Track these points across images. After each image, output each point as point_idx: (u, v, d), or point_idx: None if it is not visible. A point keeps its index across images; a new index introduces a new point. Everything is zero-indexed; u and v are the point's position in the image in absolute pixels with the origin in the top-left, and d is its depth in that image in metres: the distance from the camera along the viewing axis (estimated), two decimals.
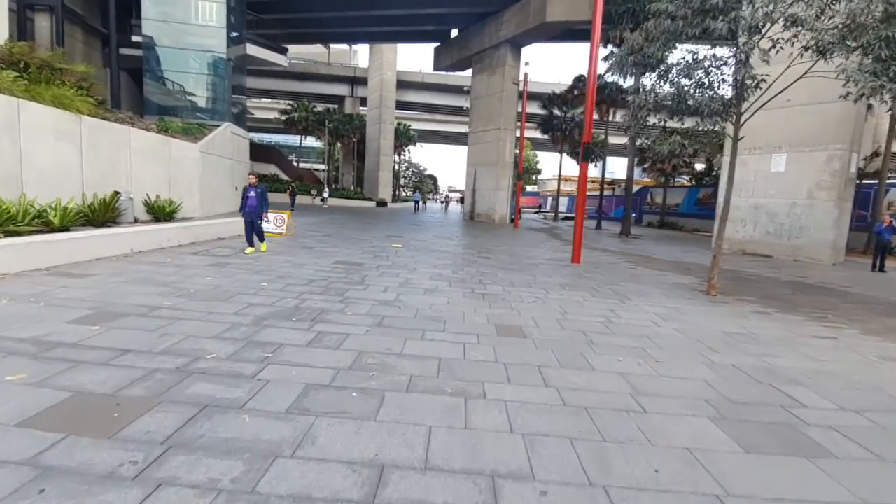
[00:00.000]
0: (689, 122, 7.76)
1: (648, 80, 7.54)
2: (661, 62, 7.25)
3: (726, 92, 7.11)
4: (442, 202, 54.15)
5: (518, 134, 26.61)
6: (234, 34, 19.27)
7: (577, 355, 3.99)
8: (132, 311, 4.35)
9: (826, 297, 7.87)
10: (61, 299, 4.65)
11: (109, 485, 1.93)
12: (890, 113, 16.47)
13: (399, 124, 46.58)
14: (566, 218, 35.73)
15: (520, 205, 25.27)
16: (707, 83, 6.95)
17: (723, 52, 7.00)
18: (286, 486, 1.98)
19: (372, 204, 39.32)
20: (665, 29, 6.84)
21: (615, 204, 39.89)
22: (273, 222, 12.03)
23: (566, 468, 2.26)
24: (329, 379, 3.12)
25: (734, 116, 7.10)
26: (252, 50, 22.57)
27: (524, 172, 31.76)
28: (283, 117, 42.10)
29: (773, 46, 6.09)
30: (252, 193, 8.37)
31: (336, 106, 47.36)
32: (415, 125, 53.21)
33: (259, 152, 37.81)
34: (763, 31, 6.28)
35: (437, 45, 32.12)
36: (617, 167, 60.45)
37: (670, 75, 7.12)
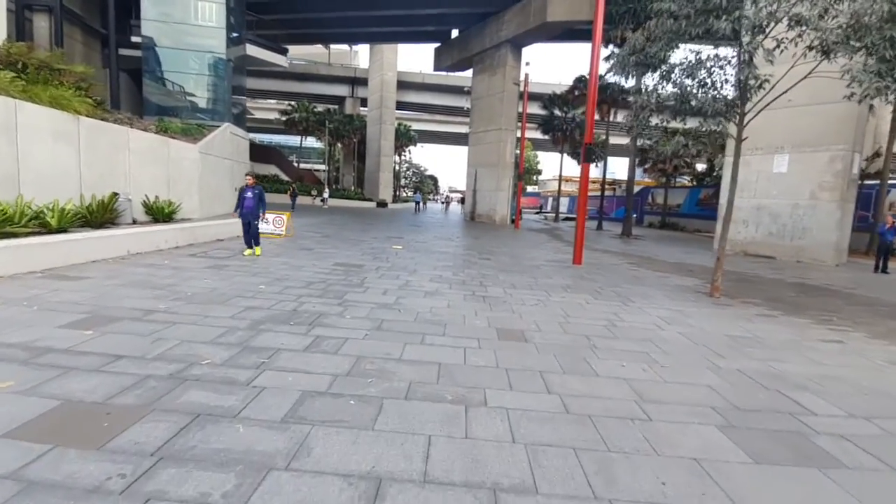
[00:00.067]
0: (691, 123, 7.69)
1: (651, 81, 7.46)
2: (663, 62, 7.18)
3: (729, 92, 7.04)
4: (442, 203, 54.08)
5: (519, 134, 26.56)
6: (234, 34, 19.22)
7: (580, 360, 3.91)
8: (126, 315, 4.28)
9: (830, 300, 7.78)
10: (54, 303, 4.58)
11: (95, 499, 1.85)
12: (892, 114, 16.41)
13: (399, 125, 46.55)
14: (567, 218, 35.68)
15: (520, 205, 25.20)
16: (710, 83, 6.88)
17: (725, 52, 6.93)
18: (279, 502, 1.90)
19: (372, 204, 39.26)
20: (668, 29, 6.77)
21: (616, 204, 39.80)
22: (272, 223, 11.96)
23: (570, 481, 2.18)
24: (326, 386, 3.05)
25: (737, 117, 7.02)
26: (252, 50, 22.53)
27: (525, 173, 31.68)
28: (284, 118, 42.07)
29: (778, 46, 6.02)
30: (249, 194, 8.26)
31: (336, 106, 47.32)
32: (415, 126, 53.18)
33: (259, 153, 37.79)
34: (767, 30, 6.21)
35: (437, 45, 32.06)
36: (618, 167, 60.41)
37: (673, 75, 7.05)
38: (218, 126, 16.35)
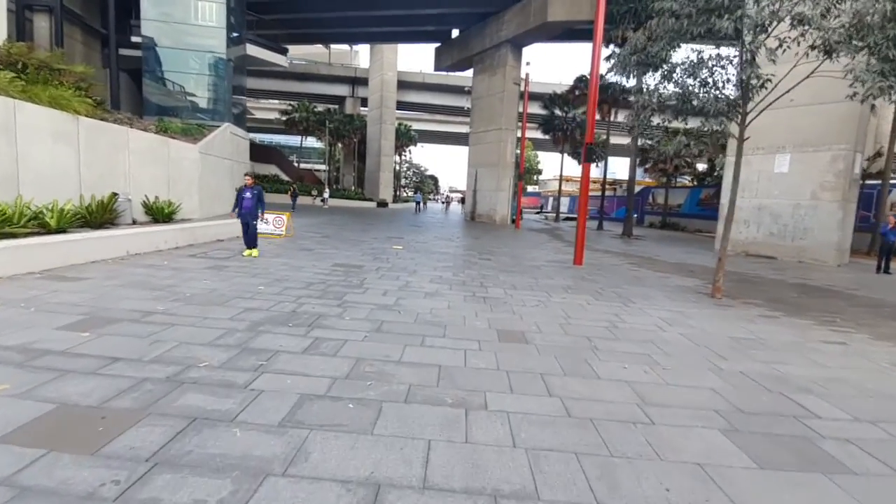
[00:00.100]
0: (692, 123, 7.65)
1: (652, 80, 7.42)
2: (664, 61, 7.14)
3: (731, 92, 7.00)
4: (443, 203, 54.05)
5: (519, 134, 26.52)
6: (234, 34, 19.20)
7: (582, 362, 3.88)
8: (125, 317, 4.25)
9: (833, 300, 7.74)
10: (53, 304, 4.55)
11: None
12: (894, 113, 16.36)
13: (400, 125, 46.51)
14: (567, 218, 35.64)
15: (521, 205, 25.16)
16: (712, 83, 6.85)
17: (727, 51, 6.89)
18: None
19: (372, 204, 39.23)
20: (669, 28, 6.73)
21: (616, 204, 39.75)
22: (272, 223, 11.93)
23: (572, 487, 2.14)
24: (325, 389, 3.01)
25: (739, 116, 6.98)
26: (252, 50, 22.50)
27: (525, 173, 31.63)
28: (284, 118, 42.05)
29: (780, 45, 5.98)
30: (248, 195, 8.17)
31: (337, 106, 47.30)
32: (415, 126, 53.14)
33: (260, 153, 37.77)
34: (769, 29, 6.17)
35: (437, 45, 32.03)
36: (618, 167, 60.36)
37: (674, 75, 7.01)
38: (218, 126, 16.34)
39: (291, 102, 42.82)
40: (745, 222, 14.79)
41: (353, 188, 45.16)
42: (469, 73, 29.98)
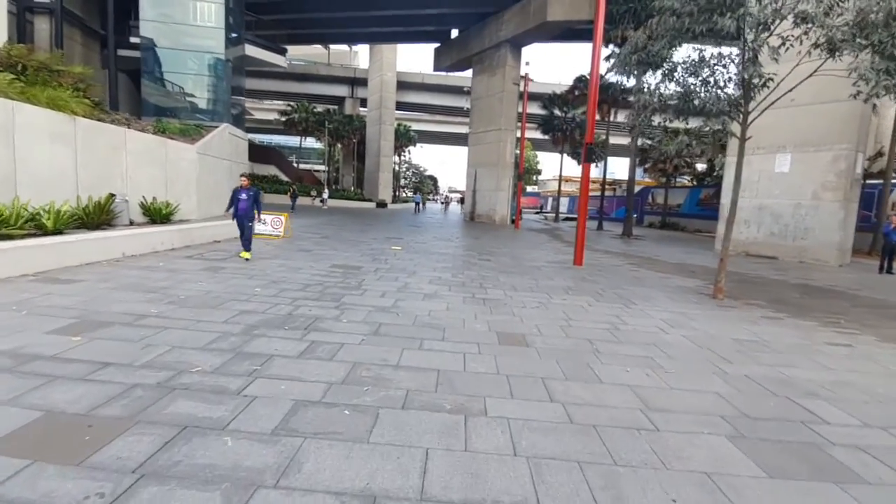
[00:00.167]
0: (693, 123, 7.58)
1: (653, 79, 7.35)
2: (665, 60, 7.07)
3: (732, 91, 6.92)
4: (442, 203, 53.95)
5: (518, 134, 26.45)
6: (233, 35, 19.12)
7: (583, 366, 3.80)
8: (117, 320, 4.17)
9: (836, 301, 7.67)
10: (44, 307, 4.47)
11: None
12: (895, 113, 16.30)
13: (399, 125, 46.45)
14: (567, 219, 35.57)
15: (520, 205, 25.09)
16: (713, 81, 6.77)
17: (728, 50, 6.82)
18: None
19: (372, 205, 39.14)
20: (670, 26, 6.66)
21: (616, 204, 39.69)
22: (270, 224, 11.85)
23: (575, 498, 2.06)
24: (320, 394, 2.93)
25: (741, 115, 6.91)
26: (251, 51, 22.42)
27: (524, 173, 31.55)
28: (283, 118, 41.98)
29: (783, 44, 5.91)
30: (244, 196, 8.00)
31: (336, 107, 47.22)
32: (415, 126, 53.07)
33: (259, 153, 37.72)
34: (772, 28, 6.10)
35: (437, 45, 31.97)
36: (617, 168, 60.30)
37: (676, 74, 6.93)
38: (216, 127, 16.24)
39: (290, 103, 42.76)
40: (746, 222, 14.71)
41: (352, 189, 45.09)
42: (468, 73, 29.93)
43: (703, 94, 6.80)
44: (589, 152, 10.24)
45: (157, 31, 17.75)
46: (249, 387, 2.97)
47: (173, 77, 18.16)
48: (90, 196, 8.85)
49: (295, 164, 48.58)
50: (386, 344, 4.04)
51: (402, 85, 42.71)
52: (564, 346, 4.32)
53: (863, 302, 7.75)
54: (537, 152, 63.91)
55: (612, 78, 20.43)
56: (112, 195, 9.37)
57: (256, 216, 8.30)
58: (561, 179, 35.44)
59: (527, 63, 24.86)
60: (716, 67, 6.71)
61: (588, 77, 11.01)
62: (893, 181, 16.83)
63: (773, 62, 6.02)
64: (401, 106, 45.30)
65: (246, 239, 8.19)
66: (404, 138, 48.17)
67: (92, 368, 3.10)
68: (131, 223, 9.92)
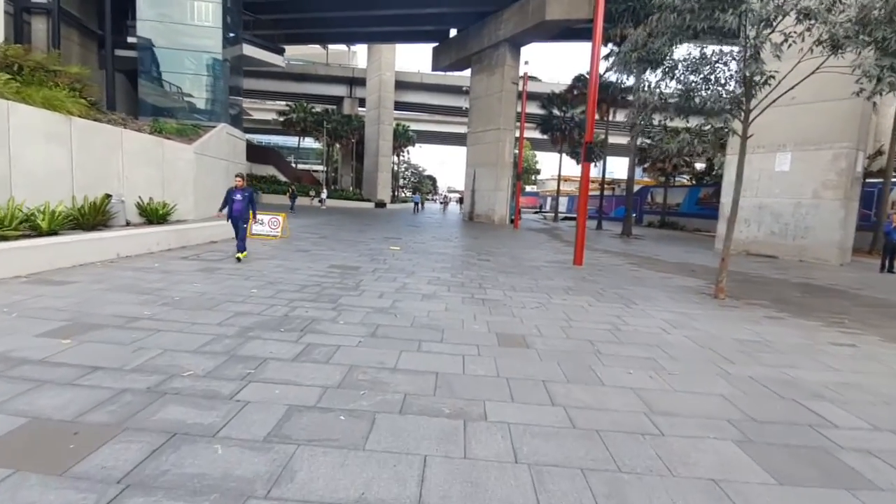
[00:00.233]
0: (693, 121, 7.51)
1: (653, 77, 7.27)
2: (665, 57, 6.99)
3: (734, 88, 6.85)
4: (441, 203, 53.85)
5: (517, 134, 26.37)
6: (231, 34, 19.01)
7: (585, 368, 3.72)
8: (108, 323, 4.08)
9: (838, 301, 7.60)
10: (36, 309, 4.38)
11: None
12: (895, 111, 16.26)
13: (398, 125, 46.36)
14: (566, 218, 35.50)
15: (519, 205, 25.01)
16: (714, 79, 6.70)
17: (729, 49, 6.75)
18: None
19: (371, 205, 39.05)
20: (671, 23, 6.58)
21: (615, 204, 39.65)
22: (267, 224, 11.77)
23: None
24: (315, 399, 2.85)
25: (742, 113, 6.84)
26: (249, 50, 22.30)
27: (523, 172, 31.48)
28: (282, 118, 41.87)
29: (786, 40, 5.84)
30: (238, 196, 7.86)
31: (334, 107, 47.12)
32: (414, 126, 52.98)
33: (257, 154, 37.60)
34: (774, 24, 6.03)
35: (435, 45, 31.87)
36: (616, 167, 60.26)
37: (676, 71, 6.86)
38: (214, 127, 16.14)
39: (289, 103, 42.65)
40: (746, 221, 14.65)
41: (351, 189, 44.98)
42: (467, 72, 29.83)
43: (704, 92, 6.73)
44: (588, 151, 10.17)
45: (154, 31, 17.64)
46: (242, 391, 2.89)
47: (171, 77, 18.06)
48: (86, 196, 8.76)
49: (293, 165, 48.45)
50: (383, 346, 3.96)
51: (401, 84, 42.62)
52: (565, 348, 4.24)
53: (865, 301, 7.69)
54: (536, 152, 63.83)
55: (612, 77, 20.34)
56: (108, 195, 9.28)
57: (252, 217, 8.20)
58: (560, 179, 35.37)
59: (526, 62, 24.73)
60: (717, 65, 6.64)
61: (587, 76, 10.95)
62: (893, 180, 16.79)
63: (773, 59, 5.96)
64: (399, 106, 45.22)
65: (240, 239, 8.09)
66: (403, 138, 48.08)
67: (81, 373, 3.02)
68: (128, 224, 9.83)
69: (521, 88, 24.20)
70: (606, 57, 20.20)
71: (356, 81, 44.92)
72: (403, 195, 62.39)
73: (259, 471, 2.09)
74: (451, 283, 7.15)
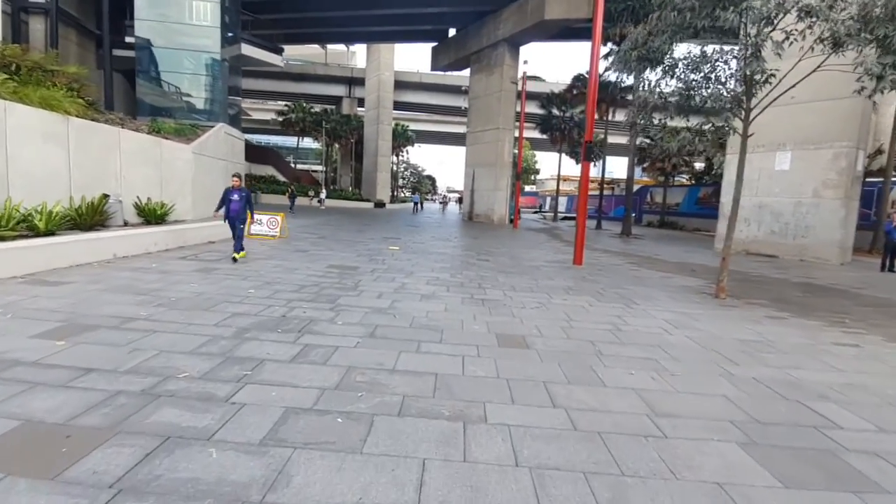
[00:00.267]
0: (693, 121, 7.47)
1: (653, 76, 7.23)
2: (665, 56, 6.95)
3: (734, 87, 6.82)
4: (440, 203, 53.81)
5: (517, 134, 26.33)
6: (229, 34, 18.96)
7: (586, 369, 3.68)
8: (104, 324, 4.03)
9: (839, 300, 7.57)
10: (31, 310, 4.33)
11: None
12: (895, 110, 16.23)
13: (397, 125, 46.29)
14: (565, 218, 35.45)
15: (519, 205, 24.97)
16: (714, 77, 6.66)
17: (729, 48, 6.71)
18: None
19: (370, 205, 38.98)
20: (671, 22, 6.54)
21: (615, 203, 39.61)
22: (266, 224, 11.71)
23: None
24: (312, 401, 2.81)
25: (743, 112, 6.80)
26: (247, 50, 22.26)
27: (523, 172, 31.42)
28: (280, 118, 41.79)
29: (787, 38, 5.80)
30: (235, 197, 7.79)
31: (333, 107, 47.04)
32: (413, 126, 52.91)
33: (256, 154, 37.48)
34: (776, 22, 5.99)
35: (434, 44, 31.82)
36: (616, 167, 60.26)
37: (677, 70, 6.82)
38: (212, 126, 16.08)
39: (288, 103, 42.57)
40: (746, 220, 14.61)
41: (350, 189, 44.90)
42: (466, 72, 29.76)
43: (704, 91, 6.69)
44: (588, 151, 10.13)
45: (152, 31, 17.60)
46: (238, 393, 2.84)
47: (169, 77, 18.01)
48: (83, 196, 8.70)
49: (292, 165, 48.35)
50: (382, 347, 3.92)
51: (400, 84, 42.57)
52: (566, 348, 4.20)
53: (866, 301, 7.66)
54: (535, 152, 63.82)
55: (612, 76, 20.31)
56: (106, 196, 9.22)
57: (249, 217, 8.14)
58: (559, 179, 35.33)
59: (525, 62, 24.68)
60: (717, 63, 6.61)
61: (586, 76, 10.90)
62: (893, 179, 16.77)
63: (774, 58, 5.92)
64: (398, 105, 45.16)
65: (238, 239, 8.03)
66: (402, 138, 48.02)
67: (74, 374, 2.97)
68: (126, 224, 9.77)
69: (520, 88, 24.15)
70: (606, 56, 20.15)
71: (355, 81, 44.86)
72: (403, 195, 62.31)
73: (254, 475, 2.04)
74: (450, 284, 7.11)
